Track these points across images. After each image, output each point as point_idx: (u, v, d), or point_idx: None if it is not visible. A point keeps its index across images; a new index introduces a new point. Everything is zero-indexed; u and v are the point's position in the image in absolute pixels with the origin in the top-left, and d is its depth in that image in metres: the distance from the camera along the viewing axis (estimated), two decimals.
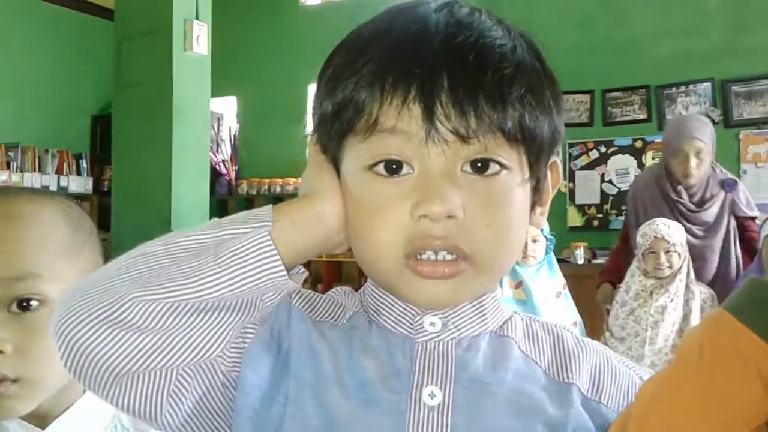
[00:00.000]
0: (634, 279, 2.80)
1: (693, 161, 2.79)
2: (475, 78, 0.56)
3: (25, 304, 0.77)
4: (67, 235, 0.83)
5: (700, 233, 2.88)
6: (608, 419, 0.61)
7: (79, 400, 0.84)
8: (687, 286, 2.71)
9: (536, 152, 0.61)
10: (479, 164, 0.58)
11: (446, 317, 0.62)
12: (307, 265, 0.63)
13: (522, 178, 0.61)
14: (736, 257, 2.89)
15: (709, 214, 2.88)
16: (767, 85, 4.73)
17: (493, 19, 0.61)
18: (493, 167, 0.59)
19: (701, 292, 2.72)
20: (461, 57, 0.57)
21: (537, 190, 0.64)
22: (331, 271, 5.69)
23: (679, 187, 2.88)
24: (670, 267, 2.68)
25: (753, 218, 2.91)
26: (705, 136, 2.83)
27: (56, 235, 0.82)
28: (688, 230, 2.81)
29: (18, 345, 0.76)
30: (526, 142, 0.59)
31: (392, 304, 0.63)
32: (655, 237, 2.68)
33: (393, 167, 0.58)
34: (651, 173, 3.12)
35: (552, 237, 2.76)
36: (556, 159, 0.66)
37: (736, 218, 2.90)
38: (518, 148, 0.59)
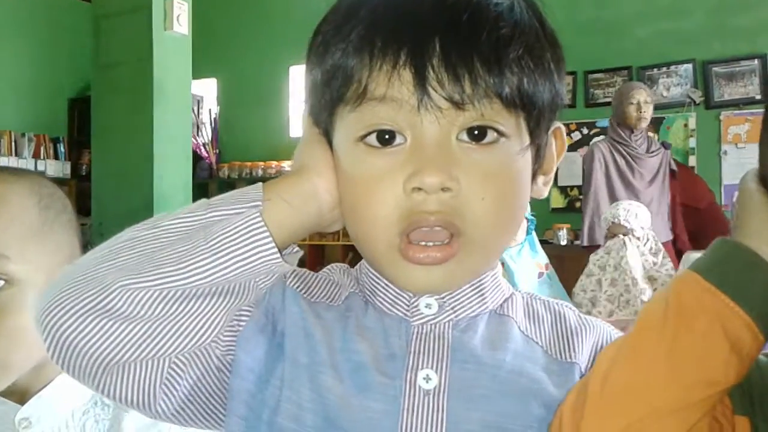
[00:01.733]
0: (610, 254, 3.04)
1: (644, 106, 3.48)
2: (469, 39, 0.53)
3: None
4: (36, 215, 0.81)
5: (648, 177, 3.52)
6: None
7: (59, 376, 0.83)
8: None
9: (536, 118, 0.57)
10: (476, 132, 0.55)
11: (443, 299, 0.60)
12: None
13: (521, 146, 0.57)
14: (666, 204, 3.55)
15: (656, 160, 3.56)
16: (748, 66, 4.77)
17: None
18: (491, 135, 0.55)
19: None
20: (454, 17, 0.53)
21: (538, 157, 0.61)
22: (314, 255, 5.67)
23: (631, 136, 3.53)
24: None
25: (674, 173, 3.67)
26: (648, 90, 3.63)
27: (24, 215, 0.80)
28: (638, 174, 3.48)
29: None
30: (526, 108, 0.56)
31: (387, 286, 0.61)
32: (613, 222, 3.04)
33: (385, 137, 0.55)
34: (602, 140, 3.81)
35: (532, 218, 2.78)
36: (560, 124, 0.63)
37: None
38: (517, 113, 0.56)
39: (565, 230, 4.84)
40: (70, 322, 0.52)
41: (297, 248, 0.60)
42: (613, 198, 3.44)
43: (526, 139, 0.58)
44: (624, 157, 3.51)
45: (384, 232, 0.56)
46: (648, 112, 3.51)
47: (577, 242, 4.83)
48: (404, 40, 0.53)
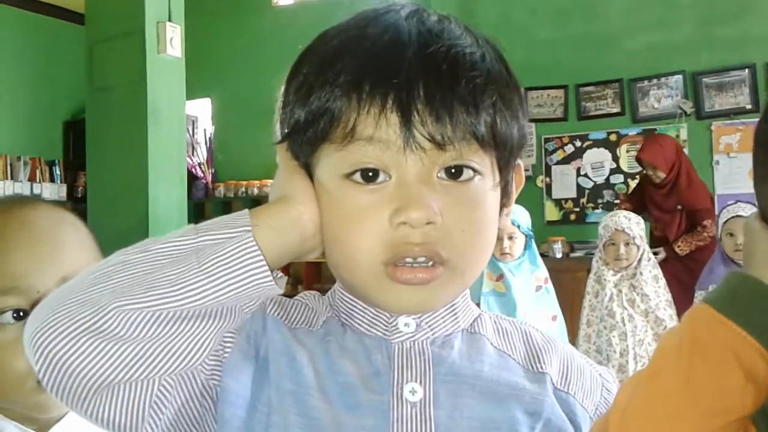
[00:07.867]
0: (601, 270, 2.93)
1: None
2: (450, 86, 0.58)
3: None
4: (93, 245, 0.88)
5: None
6: (574, 410, 0.64)
7: None
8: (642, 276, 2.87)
9: (506, 157, 0.63)
10: (453, 170, 0.60)
11: (420, 318, 0.63)
12: (286, 267, 0.63)
13: (493, 183, 0.63)
14: None
15: None
16: (738, 76, 4.81)
17: (461, 26, 0.62)
18: (467, 173, 0.60)
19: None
20: (435, 66, 0.58)
21: (505, 193, 0.66)
22: (311, 272, 5.67)
23: None
24: (627, 259, 2.86)
25: None
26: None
27: (89, 242, 0.88)
28: None
29: None
30: (498, 148, 0.61)
31: (364, 309, 0.64)
32: (615, 229, 2.86)
33: (369, 175, 0.59)
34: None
35: (531, 233, 2.80)
36: (519, 161, 0.68)
37: None
38: (490, 153, 0.61)
39: (560, 243, 4.84)
40: (63, 343, 0.53)
41: (281, 274, 0.61)
42: None
43: (497, 177, 0.63)
44: None
45: (369, 260, 0.59)
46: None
47: (573, 254, 4.87)
48: (391, 85, 0.57)
